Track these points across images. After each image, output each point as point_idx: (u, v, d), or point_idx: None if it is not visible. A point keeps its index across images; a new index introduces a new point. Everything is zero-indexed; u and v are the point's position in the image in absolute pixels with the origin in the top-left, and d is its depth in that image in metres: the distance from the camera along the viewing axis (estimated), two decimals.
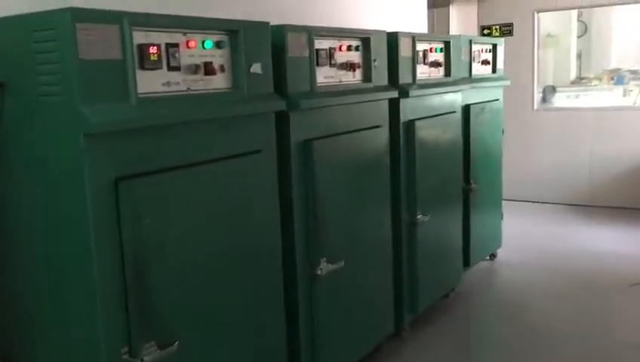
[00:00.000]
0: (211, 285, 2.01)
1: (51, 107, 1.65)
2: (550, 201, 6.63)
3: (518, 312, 3.85)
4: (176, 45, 1.87)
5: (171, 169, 1.86)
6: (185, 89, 1.92)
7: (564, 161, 6.65)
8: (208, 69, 1.99)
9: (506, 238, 4.81)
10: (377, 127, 2.94)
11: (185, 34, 1.91)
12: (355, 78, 2.79)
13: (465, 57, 3.89)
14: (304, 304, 2.50)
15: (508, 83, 4.53)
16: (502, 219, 4.67)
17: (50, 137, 1.69)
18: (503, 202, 5.47)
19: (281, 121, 2.36)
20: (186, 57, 1.92)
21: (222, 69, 2.05)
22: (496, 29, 6.92)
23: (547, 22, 7.37)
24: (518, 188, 6.71)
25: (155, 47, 1.80)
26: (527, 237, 5.36)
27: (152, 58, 1.79)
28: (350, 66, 2.73)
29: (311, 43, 2.45)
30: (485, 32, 6.98)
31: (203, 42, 1.97)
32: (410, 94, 3.10)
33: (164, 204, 1.83)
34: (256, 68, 2.16)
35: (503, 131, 4.53)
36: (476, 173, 4.06)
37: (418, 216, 3.25)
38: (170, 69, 1.86)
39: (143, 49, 1.76)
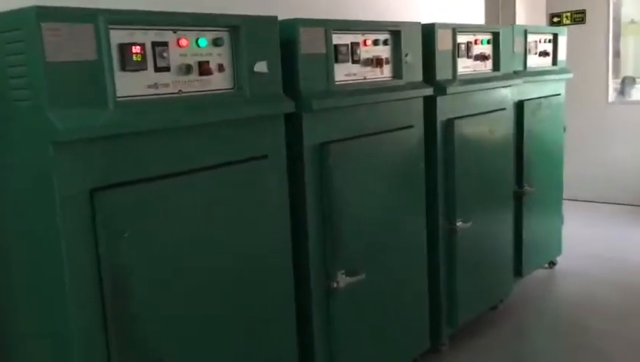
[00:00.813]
0: (205, 306, 1.87)
1: (22, 112, 1.55)
2: (623, 203, 6.12)
3: (574, 331, 3.50)
4: (164, 44, 1.73)
5: (156, 178, 1.72)
6: (175, 91, 1.78)
7: (637, 158, 6.11)
8: (203, 69, 1.84)
9: (570, 243, 4.44)
10: (409, 127, 2.71)
11: (175, 31, 1.77)
12: (382, 74, 2.57)
13: (518, 49, 3.56)
14: (319, 318, 2.32)
15: (570, 76, 4.15)
16: (562, 223, 4.30)
17: (21, 144, 1.59)
18: (570, 203, 5.09)
19: (294, 123, 2.19)
20: (176, 57, 1.78)
21: (220, 68, 1.90)
22: (567, 16, 6.45)
23: (629, 8, 6.79)
24: (588, 188, 6.25)
25: (138, 47, 1.66)
26: (594, 243, 4.94)
27: (135, 59, 1.65)
28: (377, 62, 2.51)
29: (328, 38, 2.26)
30: (555, 19, 6.51)
31: (197, 40, 1.82)
32: (448, 91, 2.84)
33: (148, 216, 1.70)
34: (260, 66, 2.00)
35: (564, 128, 4.16)
36: (531, 175, 3.73)
37: (457, 223, 3.00)
38: (158, 69, 1.73)
39: (124, 49, 1.64)
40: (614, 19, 6.35)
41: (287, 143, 2.16)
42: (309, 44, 2.19)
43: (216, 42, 1.88)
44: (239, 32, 1.92)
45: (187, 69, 1.80)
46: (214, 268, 1.89)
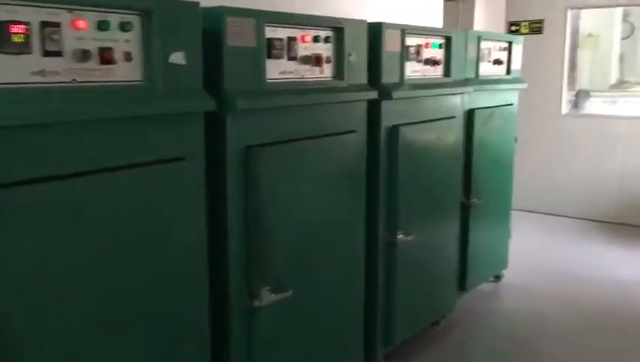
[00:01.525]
0: (107, 328, 1.63)
1: None
2: (573, 216, 6.09)
3: (517, 350, 3.38)
4: (55, 24, 1.49)
5: (47, 179, 1.48)
6: (69, 80, 1.54)
7: (592, 173, 6.09)
8: (105, 57, 1.60)
9: (517, 256, 4.34)
10: (351, 132, 2.52)
11: (71, 11, 1.52)
12: (322, 74, 2.36)
13: (471, 55, 3.42)
14: (239, 340, 2.10)
15: (524, 86, 4.03)
16: (509, 236, 4.18)
17: None
18: (520, 213, 5.01)
19: (217, 123, 1.96)
20: (71, 41, 1.53)
21: (128, 57, 1.66)
22: (525, 25, 6.39)
23: (587, 21, 6.77)
24: (538, 199, 6.21)
25: (20, 26, 1.41)
26: (541, 256, 4.87)
27: (14, 40, 1.40)
28: (316, 60, 2.31)
29: (260, 30, 2.04)
30: (513, 28, 6.45)
31: (99, 23, 1.58)
32: (393, 95, 2.66)
33: (33, 222, 1.45)
34: (177, 58, 1.77)
35: (516, 139, 4.05)
36: (479, 187, 3.60)
37: (398, 236, 2.82)
38: (47, 54, 1.48)
39: (2, 28, 1.38)
40: (572, 31, 6.31)
41: (208, 146, 1.94)
42: (236, 35, 1.96)
43: (123, 27, 1.64)
44: (152, 16, 1.69)
45: (84, 56, 1.55)
46: (114, 288, 1.65)
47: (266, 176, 2.08)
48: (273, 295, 2.14)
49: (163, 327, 1.80)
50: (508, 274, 4.29)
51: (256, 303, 2.09)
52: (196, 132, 1.87)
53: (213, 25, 1.91)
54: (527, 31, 6.36)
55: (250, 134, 2.05)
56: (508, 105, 3.90)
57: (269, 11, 2.11)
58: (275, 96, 2.10)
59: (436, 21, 4.51)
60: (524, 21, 6.36)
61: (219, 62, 1.94)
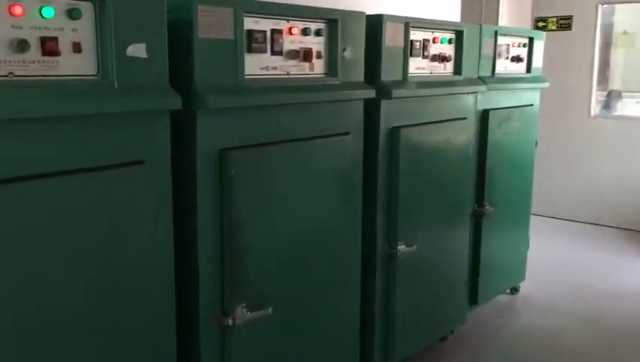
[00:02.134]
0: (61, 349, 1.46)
1: None
2: (600, 223, 5.76)
3: None
4: None
5: None
6: (4, 74, 1.37)
7: (622, 178, 5.75)
8: (48, 48, 1.42)
9: (537, 266, 4.08)
10: (344, 134, 2.31)
11: None
12: (313, 70, 2.16)
13: (487, 52, 3.17)
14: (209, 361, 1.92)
15: (545, 85, 3.76)
16: (527, 247, 3.92)
17: None
18: (543, 219, 4.75)
19: (186, 123, 1.78)
20: (7, 29, 1.36)
21: (77, 48, 1.49)
22: (552, 21, 6.07)
23: (623, 17, 6.40)
24: (564, 205, 5.91)
25: None
26: (563, 267, 4.58)
27: None
28: (305, 55, 2.10)
29: (238, 22, 1.84)
30: (540, 24, 6.13)
31: (40, 9, 1.41)
32: (394, 94, 2.44)
33: None
34: (137, 50, 1.58)
35: (536, 143, 3.78)
36: (494, 194, 3.35)
37: (399, 247, 2.60)
38: None
39: None
40: (603, 27, 5.98)
41: (177, 148, 1.76)
42: (209, 26, 1.77)
43: (70, 14, 1.46)
44: (104, 4, 1.51)
45: (21, 46, 1.38)
46: (69, 302, 1.49)
47: (242, 182, 1.89)
48: (249, 313, 1.95)
49: (126, 342, 1.63)
50: (526, 287, 4.02)
51: (229, 321, 1.90)
52: (160, 133, 1.69)
53: (182, 15, 1.73)
54: (554, 27, 6.05)
55: (224, 136, 1.86)
56: (528, 105, 3.64)
57: (250, 0, 1.91)
58: (254, 94, 1.91)
59: (453, 15, 4.27)
60: (552, 17, 6.04)
61: (188, 55, 1.75)
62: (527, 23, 6.18)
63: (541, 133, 5.91)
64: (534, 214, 5.79)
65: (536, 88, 3.71)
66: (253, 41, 1.91)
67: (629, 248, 5.14)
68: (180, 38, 1.72)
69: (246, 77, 1.90)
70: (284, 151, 2.06)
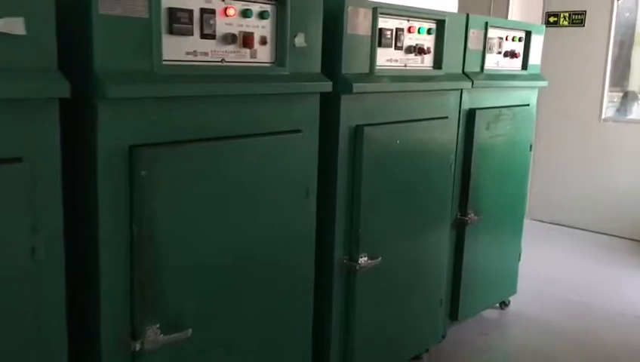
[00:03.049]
0: None
1: None
2: (605, 232, 5.42)
3: None
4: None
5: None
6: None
7: (632, 186, 5.40)
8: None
9: (533, 278, 3.78)
10: (295, 131, 2.03)
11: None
12: (255, 57, 1.88)
13: (475, 45, 2.87)
14: None
15: (544, 83, 3.45)
16: (519, 259, 3.62)
17: None
18: (543, 226, 4.45)
19: (84, 115, 1.52)
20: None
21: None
22: (564, 16, 5.72)
23: None
24: (566, 211, 5.60)
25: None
26: (564, 280, 4.26)
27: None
28: (244, 41, 1.83)
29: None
30: (551, 19, 5.79)
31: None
32: (354, 89, 2.16)
33: None
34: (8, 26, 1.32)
35: (531, 147, 3.47)
36: (479, 201, 3.05)
37: (361, 259, 2.33)
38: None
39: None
40: (620, 24, 5.61)
41: (78, 144, 1.51)
42: (113, 0, 1.50)
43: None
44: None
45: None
46: None
47: (157, 186, 1.63)
48: (164, 335, 1.69)
49: None
50: (517, 301, 3.73)
51: (137, 345, 1.64)
52: (42, 126, 1.43)
53: None
54: (566, 23, 5.71)
55: (135, 131, 1.59)
56: (523, 105, 3.33)
57: None
58: (172, 83, 1.64)
59: (449, 8, 3.96)
60: (564, 12, 5.69)
61: (86, 34, 1.48)
62: (537, 18, 5.84)
63: (546, 136, 5.65)
64: (534, 220, 5.55)
65: (533, 87, 3.39)
66: (175, 21, 1.64)
67: (633, 260, 4.80)
68: (69, 14, 1.46)
69: (165, 62, 1.63)
70: (215, 150, 1.79)
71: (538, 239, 4.97)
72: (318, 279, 2.23)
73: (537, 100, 3.47)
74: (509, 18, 5.94)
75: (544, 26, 3.45)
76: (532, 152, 3.49)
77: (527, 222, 3.69)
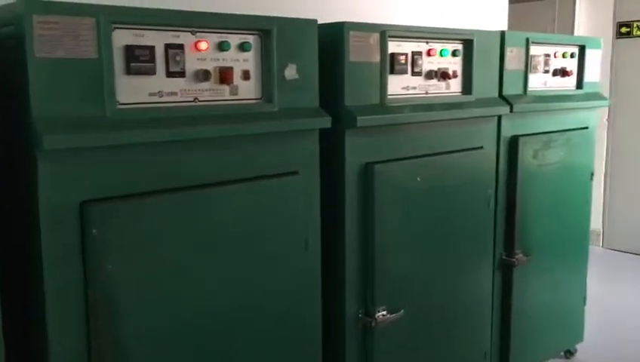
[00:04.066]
0: None
1: None
2: None
3: None
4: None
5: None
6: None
7: None
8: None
9: (605, 319, 3.34)
10: (289, 174, 1.81)
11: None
12: (236, 95, 1.68)
13: (514, 65, 2.55)
14: None
15: (604, 103, 3.06)
16: (584, 302, 3.19)
17: None
18: (623, 256, 4.00)
19: (28, 168, 1.37)
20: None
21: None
22: (638, 26, 5.22)
23: None
24: None
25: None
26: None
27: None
28: (222, 76, 1.63)
29: (103, 34, 1.41)
30: (623, 30, 5.30)
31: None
32: (359, 122, 1.91)
33: None
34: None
35: (592, 175, 3.07)
36: (528, 239, 2.70)
37: (378, 314, 2.05)
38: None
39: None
40: None
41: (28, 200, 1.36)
42: (46, 40, 1.35)
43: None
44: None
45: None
46: None
47: (111, 244, 1.45)
48: None
49: None
50: (585, 349, 3.29)
51: None
52: None
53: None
54: None
55: (81, 185, 1.42)
56: (579, 129, 2.95)
57: (146, 8, 1.48)
58: (126, 130, 1.46)
59: (498, 25, 3.64)
60: (637, 21, 5.19)
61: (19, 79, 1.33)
62: (608, 30, 5.36)
63: (622, 156, 5.13)
64: (611, 249, 5.01)
65: (591, 107, 3.01)
66: (132, 60, 1.47)
67: None
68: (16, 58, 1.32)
69: (121, 106, 1.46)
70: (186, 200, 1.59)
71: (614, 271, 4.47)
72: (328, 339, 1.98)
73: (611, 119, 3.08)
74: (576, 32, 5.51)
75: (600, 39, 3.06)
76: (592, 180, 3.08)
77: (601, 252, 3.28)
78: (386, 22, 2.07)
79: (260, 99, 1.74)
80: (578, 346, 3.26)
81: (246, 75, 1.69)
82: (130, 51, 1.46)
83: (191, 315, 1.61)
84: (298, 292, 1.86)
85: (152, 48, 1.50)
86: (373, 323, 2.04)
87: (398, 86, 2.09)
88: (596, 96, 3.01)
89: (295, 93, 1.79)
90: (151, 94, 1.52)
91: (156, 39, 1.51)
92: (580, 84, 2.92)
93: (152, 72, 1.51)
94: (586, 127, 3.01)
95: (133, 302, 1.50)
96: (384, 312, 2.07)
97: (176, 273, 1.57)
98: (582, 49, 2.91)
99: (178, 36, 1.55)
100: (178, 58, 1.55)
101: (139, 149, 1.50)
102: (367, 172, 2.00)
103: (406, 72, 2.11)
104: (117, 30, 1.43)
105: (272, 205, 1.77)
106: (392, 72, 2.05)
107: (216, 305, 1.66)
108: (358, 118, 1.90)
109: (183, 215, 1.58)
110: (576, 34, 5.45)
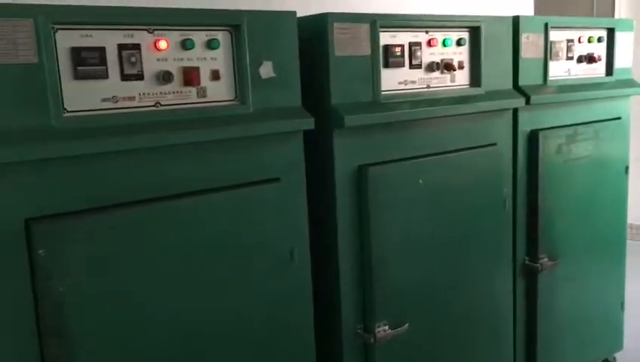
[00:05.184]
0: None
1: None
2: None
3: None
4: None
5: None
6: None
7: None
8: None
9: None
10: (270, 181, 1.66)
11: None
12: (205, 97, 1.55)
13: (531, 53, 2.33)
14: None
15: (638, 92, 2.79)
16: (622, 308, 2.93)
17: None
18: None
19: None
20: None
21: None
22: None
23: None
24: None
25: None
26: None
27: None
28: (186, 77, 1.50)
29: (44, 37, 1.29)
30: None
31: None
32: (347, 122, 1.74)
33: None
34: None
35: (627, 169, 2.81)
36: (554, 242, 2.48)
37: (378, 329, 1.89)
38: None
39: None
40: None
41: None
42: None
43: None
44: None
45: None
46: None
47: (61, 265, 1.33)
48: None
49: None
50: (625, 358, 3.02)
51: None
52: None
53: None
54: None
55: (26, 202, 1.31)
56: (610, 120, 2.70)
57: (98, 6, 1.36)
58: (73, 140, 1.33)
59: (524, 10, 3.41)
60: None
61: None
62: None
63: None
64: None
65: (622, 96, 2.75)
66: (80, 63, 1.35)
67: None
68: None
69: (69, 115, 1.34)
70: (147, 214, 1.46)
71: None
72: (323, 359, 1.82)
73: None
74: (617, 16, 5.17)
75: (633, 21, 2.79)
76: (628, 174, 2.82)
77: None
78: (389, 12, 1.91)
79: (234, 100, 1.59)
80: (617, 354, 3.00)
81: (215, 75, 1.55)
82: (76, 54, 1.34)
83: (159, 334, 1.48)
84: (285, 308, 1.71)
85: (102, 50, 1.38)
86: (373, 340, 1.87)
87: (394, 81, 1.91)
88: (629, 83, 2.74)
89: (273, 93, 1.64)
90: (104, 100, 1.40)
91: (107, 39, 1.38)
92: (609, 71, 2.67)
93: (103, 75, 1.38)
94: (619, 118, 2.75)
95: (90, 328, 1.37)
96: (385, 327, 1.90)
97: (141, 292, 1.44)
98: (611, 32, 2.66)
99: (132, 35, 1.42)
100: (134, 59, 1.42)
101: (92, 161, 1.37)
102: (360, 175, 1.83)
103: (403, 65, 1.93)
104: (60, 31, 1.32)
105: (249, 216, 1.62)
106: (387, 65, 1.87)
107: (190, 330, 1.53)
108: (346, 117, 1.74)
109: (148, 230, 1.45)
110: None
